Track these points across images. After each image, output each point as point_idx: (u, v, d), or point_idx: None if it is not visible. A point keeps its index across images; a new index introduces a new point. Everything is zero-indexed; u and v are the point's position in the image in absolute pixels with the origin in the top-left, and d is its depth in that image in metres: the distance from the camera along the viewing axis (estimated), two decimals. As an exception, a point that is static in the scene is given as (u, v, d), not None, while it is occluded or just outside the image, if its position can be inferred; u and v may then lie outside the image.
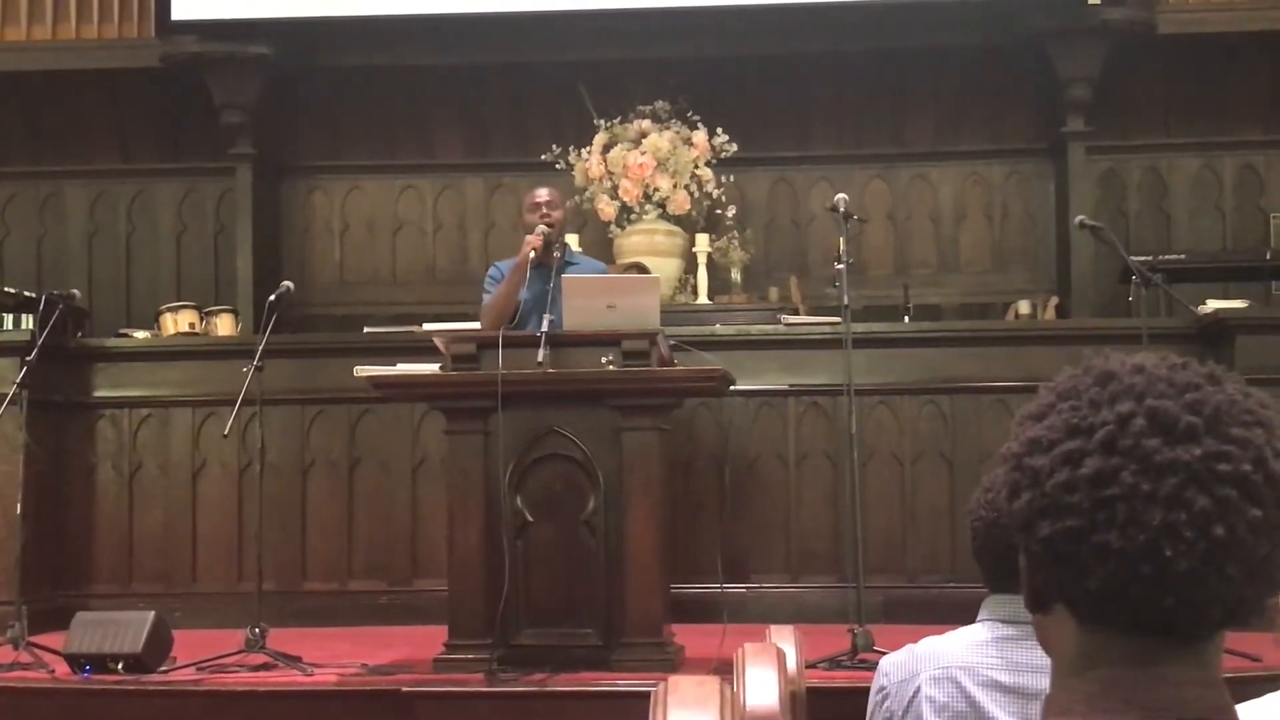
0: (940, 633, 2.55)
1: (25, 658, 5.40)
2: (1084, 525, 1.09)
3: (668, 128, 8.08)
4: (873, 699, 2.51)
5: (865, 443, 6.41)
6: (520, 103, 8.77)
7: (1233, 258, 8.13)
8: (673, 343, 5.51)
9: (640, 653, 5.04)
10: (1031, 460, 1.13)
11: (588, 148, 8.11)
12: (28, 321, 7.35)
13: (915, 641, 2.54)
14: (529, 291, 5.82)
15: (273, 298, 5.96)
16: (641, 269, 7.32)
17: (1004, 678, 2.35)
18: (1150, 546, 1.07)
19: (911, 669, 2.43)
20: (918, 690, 2.39)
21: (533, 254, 5.66)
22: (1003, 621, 2.42)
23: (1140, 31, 8.02)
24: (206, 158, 8.77)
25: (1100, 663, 1.13)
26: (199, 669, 5.27)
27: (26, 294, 7.55)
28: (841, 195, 5.87)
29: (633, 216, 8.01)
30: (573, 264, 5.90)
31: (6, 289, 7.72)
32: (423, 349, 5.82)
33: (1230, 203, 8.53)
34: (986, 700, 2.34)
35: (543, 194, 5.94)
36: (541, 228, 5.75)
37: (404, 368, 5.60)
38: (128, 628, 5.26)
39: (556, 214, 5.88)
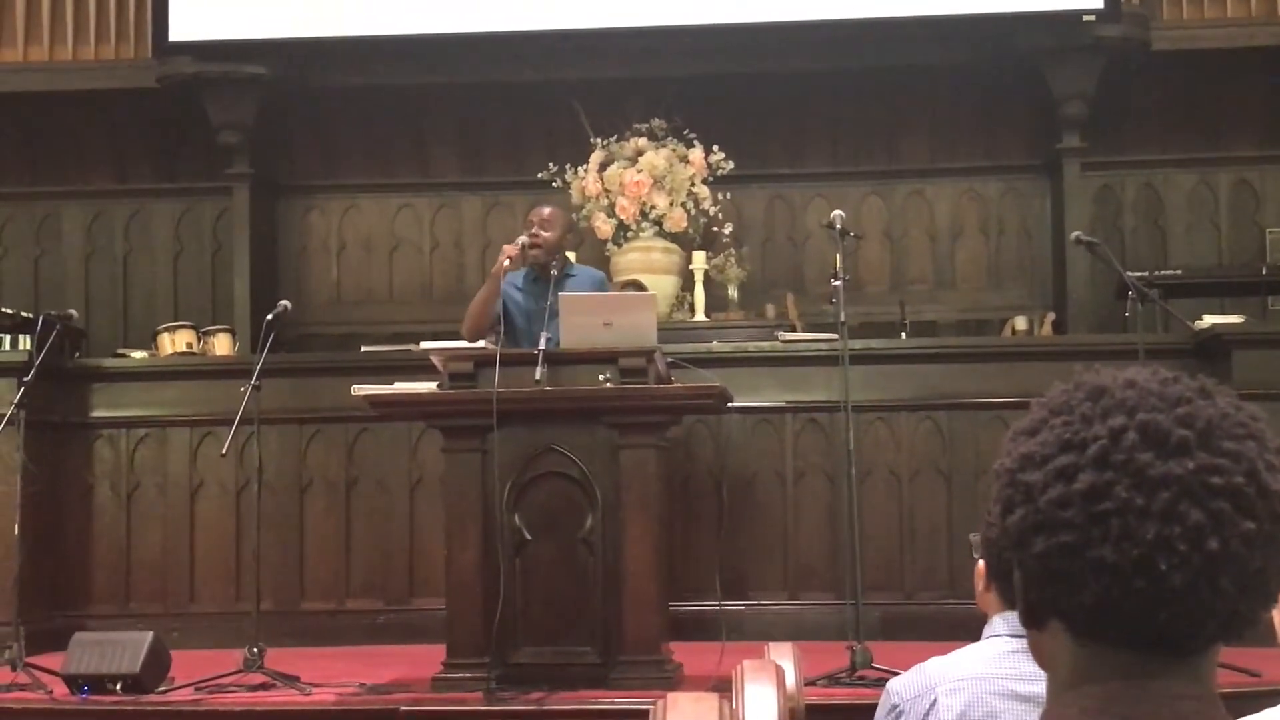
0: (940, 649, 2.55)
1: (23, 678, 5.38)
2: (1078, 540, 1.09)
3: (664, 145, 8.09)
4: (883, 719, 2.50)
5: (862, 459, 6.40)
6: (516, 121, 8.79)
7: (1228, 273, 8.14)
8: (670, 360, 5.51)
9: (639, 670, 5.03)
10: (1025, 476, 1.14)
11: (584, 166, 8.12)
12: (25, 342, 7.35)
13: (914, 657, 2.54)
14: (525, 307, 5.84)
15: (270, 317, 5.96)
16: (638, 286, 7.32)
17: (1021, 687, 2.34)
18: (1144, 561, 1.08)
19: (925, 685, 2.43)
20: (934, 703, 2.39)
21: (507, 263, 5.66)
22: (1012, 636, 2.42)
23: (1135, 48, 8.04)
24: (203, 178, 8.79)
25: (1095, 677, 1.13)
26: (197, 689, 5.26)
27: (24, 314, 7.55)
28: (838, 212, 5.88)
29: (629, 234, 8.02)
30: (571, 275, 5.91)
31: (4, 309, 7.71)
32: (420, 367, 5.82)
33: (1225, 218, 8.54)
34: (1004, 709, 2.34)
35: (542, 212, 5.96)
36: (523, 239, 5.76)
37: (401, 386, 5.60)
38: (126, 648, 5.25)
39: (547, 234, 5.86)
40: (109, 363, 7.58)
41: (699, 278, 8.00)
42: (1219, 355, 6.59)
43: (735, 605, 6.43)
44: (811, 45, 8.20)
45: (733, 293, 8.18)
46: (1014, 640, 2.40)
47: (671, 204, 7.94)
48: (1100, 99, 8.13)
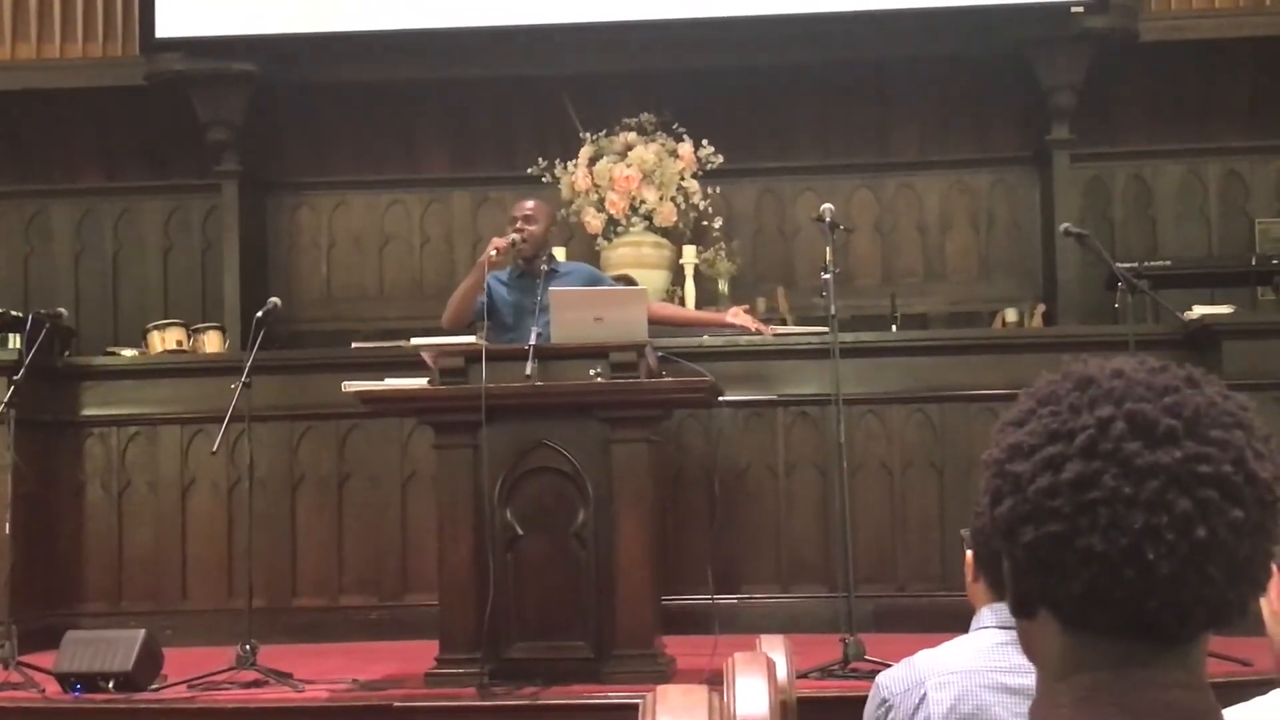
0: (933, 640, 2.55)
1: (15, 677, 5.38)
2: (1066, 530, 1.10)
3: (653, 140, 8.08)
4: (872, 713, 2.49)
5: (854, 452, 6.42)
6: (505, 116, 8.78)
7: (1218, 263, 8.14)
8: (660, 354, 5.52)
9: (631, 664, 5.04)
10: (1013, 466, 1.14)
11: (573, 160, 8.11)
12: (15, 341, 7.32)
13: (907, 650, 2.54)
14: (512, 302, 5.84)
15: (260, 314, 5.96)
16: (629, 281, 7.32)
17: (1010, 680, 2.35)
18: (1132, 549, 1.08)
19: (914, 679, 2.43)
20: (924, 697, 2.39)
21: (494, 253, 5.66)
22: (1001, 628, 2.42)
23: (1123, 39, 8.03)
24: (192, 175, 8.76)
25: (1086, 666, 1.13)
26: (190, 687, 5.26)
27: (13, 313, 7.53)
28: (827, 205, 5.88)
29: (619, 229, 8.01)
30: (559, 272, 5.90)
31: (-7, 308, 7.70)
32: (411, 363, 5.82)
33: (1215, 208, 8.54)
34: (994, 702, 2.34)
35: (525, 206, 5.96)
36: (513, 236, 5.76)
37: (392, 382, 5.60)
38: (118, 646, 5.25)
39: (533, 227, 5.86)
40: (99, 361, 7.57)
41: (689, 272, 8.00)
42: (1209, 346, 6.60)
43: (727, 598, 6.44)
44: (800, 38, 8.18)
45: (723, 287, 8.16)
46: (1002, 632, 2.41)
47: (661, 198, 7.94)
48: (1089, 90, 8.12)
